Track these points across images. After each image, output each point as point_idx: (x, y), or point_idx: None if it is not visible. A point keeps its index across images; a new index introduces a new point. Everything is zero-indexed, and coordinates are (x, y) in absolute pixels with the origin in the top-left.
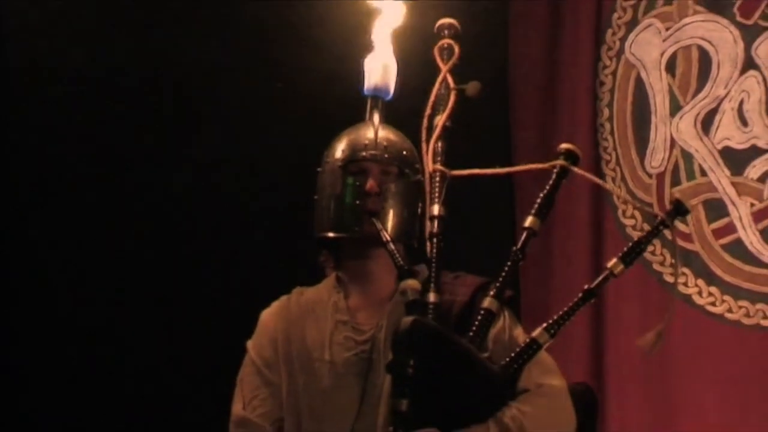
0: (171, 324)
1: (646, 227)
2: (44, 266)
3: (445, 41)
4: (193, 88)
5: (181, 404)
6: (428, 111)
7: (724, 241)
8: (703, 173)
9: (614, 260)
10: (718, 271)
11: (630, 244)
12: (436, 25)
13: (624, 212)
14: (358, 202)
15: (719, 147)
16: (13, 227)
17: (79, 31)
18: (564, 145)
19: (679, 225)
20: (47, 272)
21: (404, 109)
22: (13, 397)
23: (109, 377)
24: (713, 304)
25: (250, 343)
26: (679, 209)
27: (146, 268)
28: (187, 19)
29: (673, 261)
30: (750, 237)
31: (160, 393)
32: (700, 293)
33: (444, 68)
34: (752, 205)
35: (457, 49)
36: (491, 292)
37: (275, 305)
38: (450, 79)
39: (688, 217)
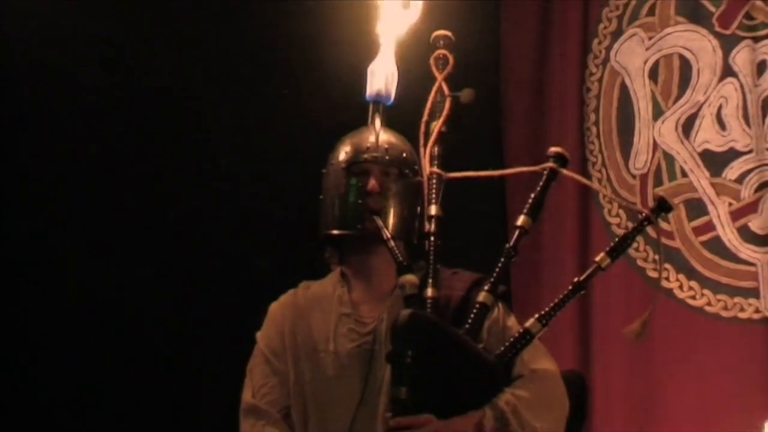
0: (187, 317)
1: (630, 225)
2: (63, 258)
3: (441, 52)
4: (206, 93)
5: (195, 392)
6: (425, 117)
7: (704, 238)
8: (684, 174)
9: (602, 254)
10: (698, 267)
11: (615, 240)
12: (432, 36)
13: (609, 211)
14: (360, 201)
15: (699, 150)
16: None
17: (86, 37)
18: (554, 149)
19: (662, 223)
20: (65, 262)
21: (403, 114)
22: (26, 390)
23: (127, 368)
24: (693, 297)
25: (259, 335)
26: (663, 206)
27: (164, 265)
28: (200, 29)
29: (656, 257)
30: (728, 234)
31: (175, 382)
32: (681, 287)
33: (439, 77)
34: (730, 204)
35: (451, 59)
36: (486, 287)
37: (283, 299)
38: (445, 87)
39: (670, 216)
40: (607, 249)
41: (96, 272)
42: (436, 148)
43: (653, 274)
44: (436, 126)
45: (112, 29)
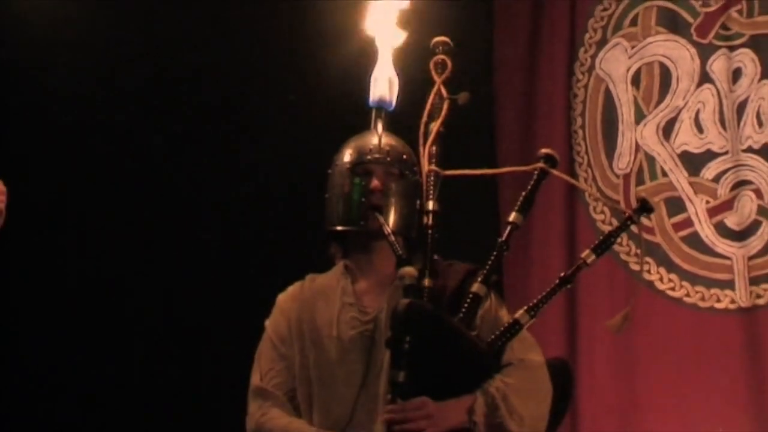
0: (203, 307)
1: (615, 221)
2: (81, 247)
3: (439, 57)
4: (222, 98)
5: (208, 375)
6: (424, 118)
7: (683, 233)
8: (664, 174)
9: (587, 251)
10: (677, 260)
11: (600, 236)
12: (432, 42)
13: (594, 208)
14: (363, 199)
15: (678, 151)
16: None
17: (101, 39)
18: (544, 150)
19: (644, 219)
20: (81, 252)
21: (404, 115)
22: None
23: (146, 355)
24: (673, 289)
25: (267, 322)
26: (645, 207)
27: (185, 259)
28: (216, 37)
29: (638, 251)
30: (705, 230)
31: (191, 367)
32: (661, 279)
33: (438, 80)
34: (707, 202)
35: (449, 63)
36: (479, 278)
37: (290, 289)
38: (443, 90)
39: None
40: (592, 247)
41: (115, 264)
42: (434, 148)
43: (635, 267)
44: (435, 127)
45: (123, 36)
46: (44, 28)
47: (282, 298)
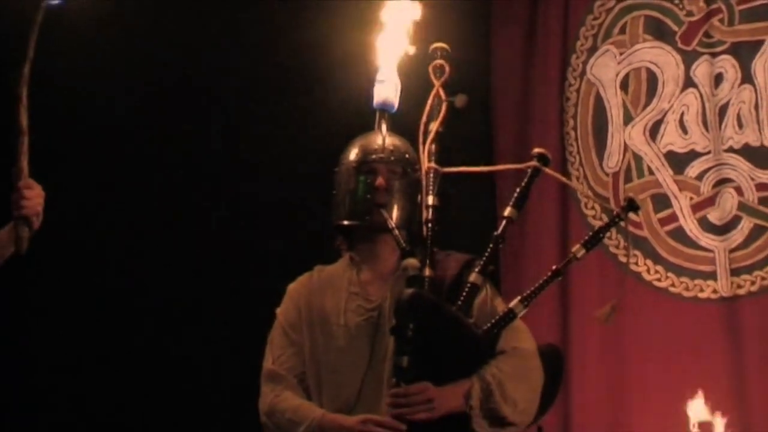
0: (219, 296)
1: (604, 217)
2: (98, 236)
3: (438, 62)
4: (236, 101)
5: (224, 360)
6: (424, 119)
7: (668, 228)
8: (651, 172)
9: (577, 246)
10: (663, 253)
11: (590, 231)
12: (431, 48)
13: (586, 204)
14: (369, 196)
15: (664, 151)
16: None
17: (122, 44)
18: (537, 150)
19: (632, 215)
20: (97, 239)
21: (405, 116)
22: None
23: (168, 340)
24: (659, 280)
25: (279, 310)
26: (632, 206)
27: (203, 253)
28: (232, 45)
29: (626, 245)
30: (689, 225)
31: (207, 352)
32: (648, 271)
33: (437, 84)
34: (691, 198)
35: (447, 67)
36: (476, 269)
37: (300, 279)
38: (442, 93)
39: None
40: (582, 242)
41: (133, 259)
42: (433, 146)
43: (624, 260)
44: (434, 127)
45: (147, 46)
46: (77, 36)
47: (292, 287)
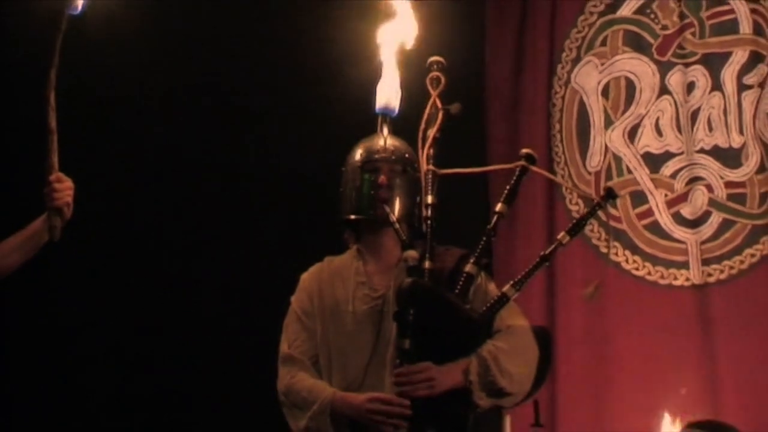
0: (238, 287)
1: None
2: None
3: (435, 73)
4: (254, 107)
5: (244, 344)
6: (422, 125)
7: (645, 222)
8: (629, 171)
9: (562, 233)
10: (641, 244)
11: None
12: (428, 61)
13: (570, 200)
14: (372, 192)
15: (641, 152)
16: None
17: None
18: (525, 150)
19: (612, 210)
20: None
21: (405, 123)
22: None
23: (192, 327)
24: (637, 269)
25: (293, 299)
26: (611, 194)
27: (227, 246)
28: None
29: (607, 236)
30: (664, 219)
31: (228, 337)
32: (627, 261)
33: (434, 93)
34: (666, 195)
35: (443, 78)
36: (471, 260)
37: (312, 270)
38: (438, 102)
39: (619, 204)
40: (567, 229)
41: (156, 252)
42: (431, 150)
43: (604, 250)
44: (432, 132)
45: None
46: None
47: (305, 277)
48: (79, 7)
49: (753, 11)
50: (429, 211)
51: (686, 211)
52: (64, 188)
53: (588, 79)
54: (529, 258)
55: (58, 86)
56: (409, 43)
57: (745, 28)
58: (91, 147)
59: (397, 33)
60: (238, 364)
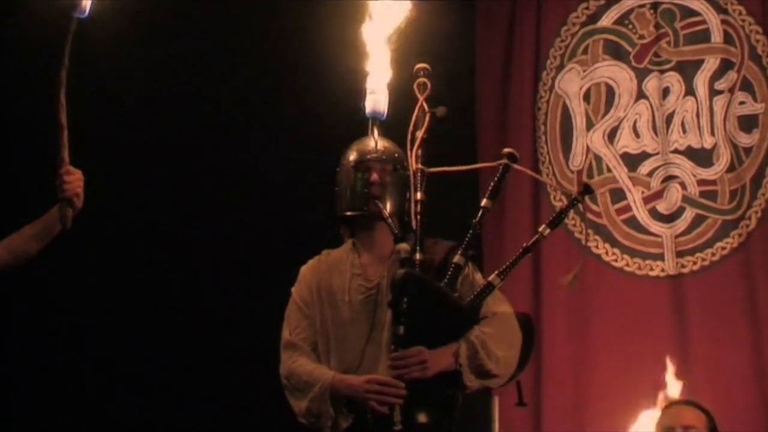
0: (242, 279)
1: None
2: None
3: (421, 79)
4: (250, 111)
5: (247, 332)
6: (411, 128)
7: (623, 217)
8: (609, 170)
9: (543, 226)
10: (619, 238)
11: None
12: (414, 68)
13: (554, 197)
14: (366, 190)
15: (620, 152)
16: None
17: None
18: (506, 150)
19: (592, 205)
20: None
21: (395, 126)
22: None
23: (195, 318)
24: (616, 260)
25: (293, 289)
26: (587, 190)
27: (228, 243)
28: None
29: (585, 227)
30: (641, 214)
31: (233, 326)
32: (606, 253)
33: (421, 98)
34: (643, 192)
35: (429, 84)
36: (459, 251)
37: (311, 262)
38: (425, 106)
39: (599, 200)
40: (547, 222)
41: (158, 248)
42: (419, 150)
43: (585, 242)
44: (419, 134)
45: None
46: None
47: (304, 269)
48: (87, 10)
49: (723, 22)
50: (418, 207)
51: (662, 207)
52: (74, 180)
53: (571, 84)
54: (517, 250)
55: (68, 86)
56: (403, 22)
57: (716, 37)
58: (92, 147)
59: (387, 21)
60: (243, 354)
